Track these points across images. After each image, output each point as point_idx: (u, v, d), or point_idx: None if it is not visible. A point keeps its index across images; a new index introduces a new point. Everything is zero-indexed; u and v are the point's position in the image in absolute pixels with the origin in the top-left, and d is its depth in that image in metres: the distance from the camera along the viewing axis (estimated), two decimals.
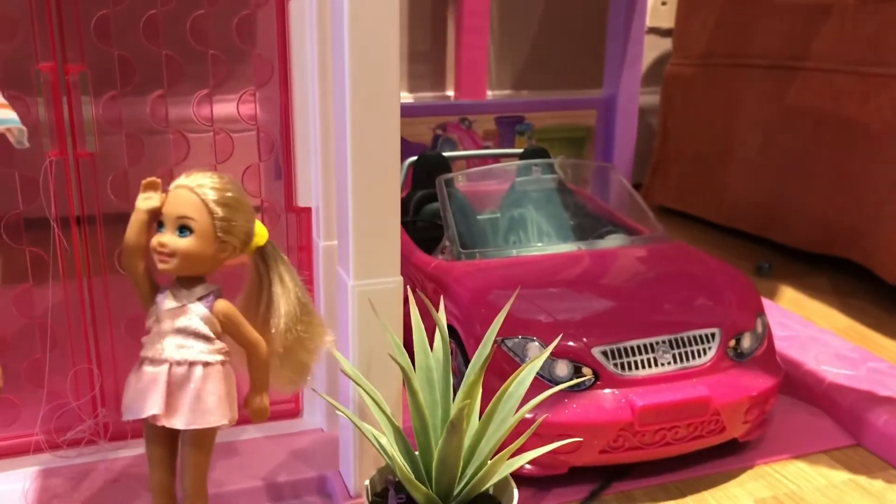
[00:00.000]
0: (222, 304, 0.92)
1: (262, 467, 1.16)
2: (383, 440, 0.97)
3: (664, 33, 2.81)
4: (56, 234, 1.12)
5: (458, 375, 1.20)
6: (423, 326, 1.03)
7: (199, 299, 0.91)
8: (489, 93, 2.67)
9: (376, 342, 1.04)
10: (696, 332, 1.21)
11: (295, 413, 1.28)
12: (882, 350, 1.64)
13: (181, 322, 0.90)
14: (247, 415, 0.97)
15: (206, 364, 0.91)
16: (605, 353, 1.16)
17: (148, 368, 0.90)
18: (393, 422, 0.96)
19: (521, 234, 1.53)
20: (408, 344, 1.01)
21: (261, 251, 0.96)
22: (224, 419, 0.92)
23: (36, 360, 1.14)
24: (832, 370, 1.43)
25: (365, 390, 0.97)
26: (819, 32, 2.05)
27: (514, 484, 0.99)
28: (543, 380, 1.13)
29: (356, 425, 1.00)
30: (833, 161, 2.02)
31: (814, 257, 2.13)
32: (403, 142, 1.03)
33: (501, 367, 1.14)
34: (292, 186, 1.22)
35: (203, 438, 0.92)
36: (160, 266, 0.89)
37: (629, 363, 1.16)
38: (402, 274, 1.06)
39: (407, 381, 0.94)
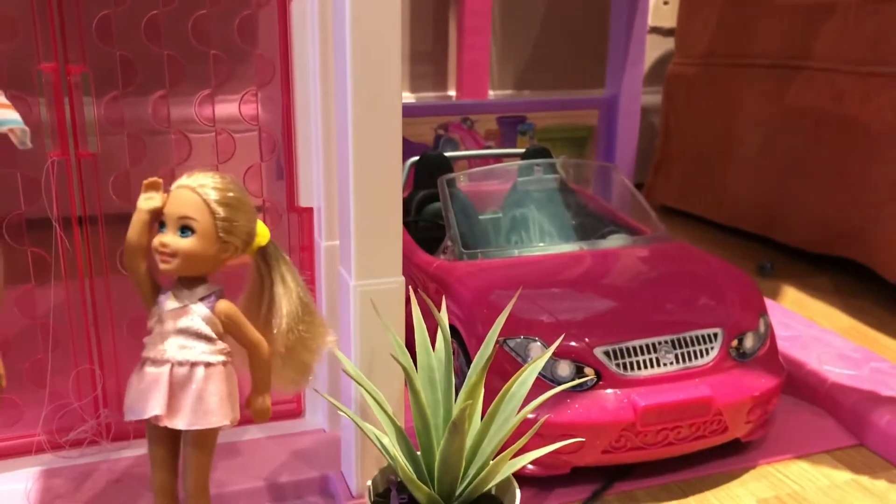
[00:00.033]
0: (224, 305, 0.92)
1: (264, 467, 1.16)
2: (385, 440, 0.97)
3: (666, 33, 2.81)
4: (58, 234, 1.12)
5: (460, 375, 1.20)
6: (424, 326, 1.02)
7: (201, 300, 0.91)
8: (491, 93, 2.67)
9: (378, 342, 1.04)
10: (699, 332, 1.21)
11: (297, 413, 1.28)
12: (885, 350, 1.64)
13: (183, 322, 0.90)
14: (249, 415, 0.97)
15: (207, 364, 0.90)
16: (607, 353, 1.16)
17: (150, 369, 0.90)
18: (395, 422, 0.96)
19: (522, 234, 1.53)
20: (409, 344, 1.01)
21: (262, 251, 0.96)
22: (226, 420, 0.92)
23: (38, 360, 1.14)
24: (835, 370, 1.42)
25: (367, 390, 0.97)
26: (820, 32, 2.04)
27: (516, 484, 0.99)
28: (545, 380, 1.13)
29: (358, 425, 1.00)
30: (834, 161, 2.01)
31: (815, 257, 2.13)
32: (405, 142, 1.03)
33: (503, 368, 1.14)
34: (294, 187, 1.22)
35: (205, 439, 0.92)
36: (162, 266, 0.89)
37: (631, 363, 1.16)
38: (404, 274, 1.05)
39: (409, 381, 0.94)
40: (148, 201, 0.91)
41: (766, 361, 1.25)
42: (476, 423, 0.96)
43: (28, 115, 0.93)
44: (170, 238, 0.88)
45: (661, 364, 1.17)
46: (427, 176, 1.68)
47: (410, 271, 1.43)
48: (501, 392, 0.95)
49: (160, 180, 0.92)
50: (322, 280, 1.22)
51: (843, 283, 2.02)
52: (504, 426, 0.96)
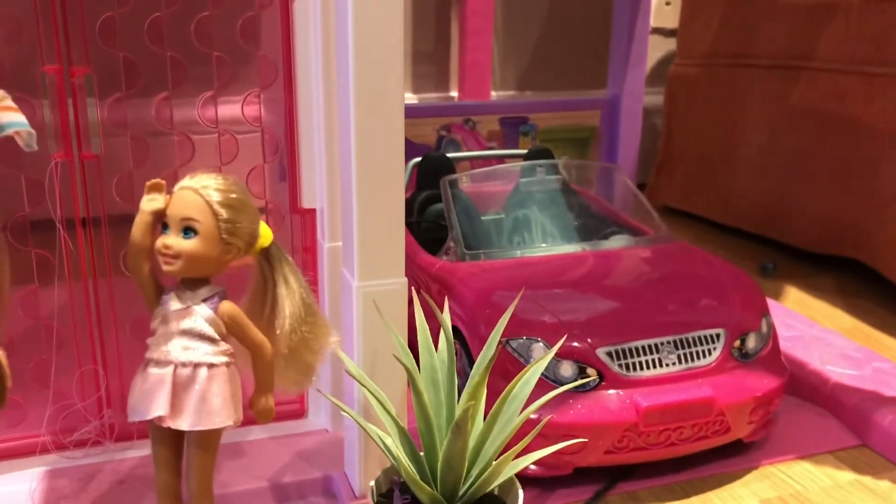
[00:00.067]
0: (227, 306, 0.92)
1: (268, 468, 1.16)
2: (388, 441, 0.97)
3: (668, 33, 2.81)
4: (61, 235, 1.12)
5: (463, 376, 1.20)
6: (427, 327, 1.03)
7: (204, 301, 0.92)
8: (493, 93, 2.67)
9: (381, 343, 1.04)
10: (701, 333, 1.21)
11: (300, 414, 1.28)
12: (887, 350, 1.64)
13: (186, 324, 0.91)
14: (252, 416, 0.97)
15: (211, 365, 0.91)
16: (609, 354, 1.16)
17: (153, 370, 0.91)
18: (398, 422, 0.96)
19: (525, 234, 1.53)
20: (412, 345, 1.01)
21: (265, 252, 0.96)
22: (229, 420, 0.92)
23: (42, 361, 1.14)
24: (837, 370, 1.42)
25: (370, 391, 0.97)
26: (823, 32, 2.04)
27: (519, 484, 0.99)
28: (548, 380, 1.13)
29: (361, 426, 1.00)
30: (837, 161, 2.01)
31: (818, 257, 2.12)
32: (407, 143, 1.04)
33: (506, 368, 1.14)
34: (297, 188, 1.22)
35: (208, 439, 0.92)
36: (165, 268, 0.90)
37: (634, 364, 1.16)
38: (407, 275, 1.06)
39: (412, 381, 0.94)
40: (151, 203, 0.91)
41: (768, 362, 1.25)
42: (479, 424, 0.96)
43: (32, 117, 0.93)
44: (173, 239, 0.89)
45: (664, 364, 1.17)
46: (429, 177, 1.68)
47: (413, 272, 1.43)
48: (504, 393, 0.95)
49: (163, 182, 0.92)
50: (325, 281, 1.22)
51: (845, 283, 2.01)
52: (507, 427, 0.96)
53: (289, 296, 0.96)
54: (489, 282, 1.30)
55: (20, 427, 1.16)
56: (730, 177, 2.38)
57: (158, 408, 0.89)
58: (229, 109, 1.21)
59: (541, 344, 1.16)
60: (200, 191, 0.89)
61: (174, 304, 0.91)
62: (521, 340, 1.16)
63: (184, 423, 0.90)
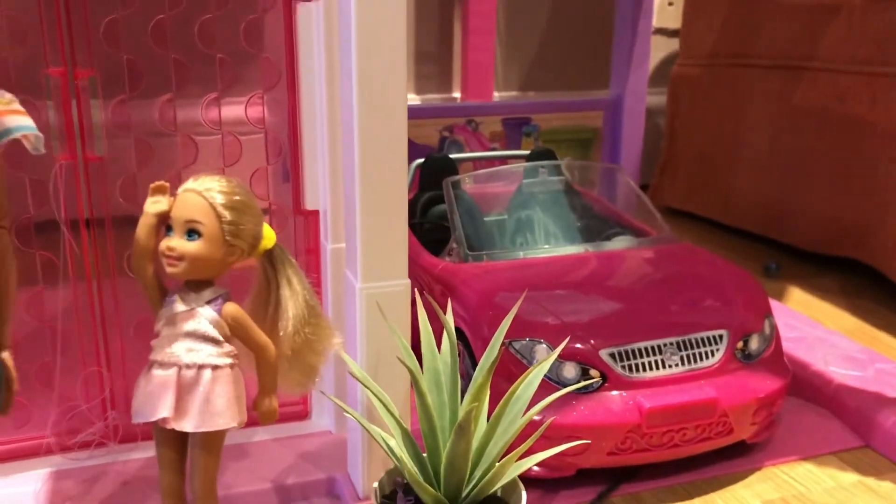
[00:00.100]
0: (231, 308, 0.92)
1: (271, 469, 1.16)
2: (392, 442, 0.97)
3: (671, 34, 2.81)
4: (66, 237, 1.13)
5: (466, 378, 1.20)
6: (430, 329, 1.03)
7: (208, 303, 0.92)
8: (496, 94, 2.68)
9: (384, 344, 1.04)
10: (704, 334, 1.21)
11: (303, 415, 1.28)
12: (890, 351, 1.63)
13: (190, 325, 0.91)
14: (256, 417, 0.97)
15: (215, 367, 0.91)
16: (612, 355, 1.16)
17: (157, 372, 0.91)
18: (401, 424, 0.96)
19: (528, 235, 1.53)
20: (415, 346, 1.01)
21: (269, 254, 0.96)
22: (233, 422, 0.92)
23: (46, 362, 1.14)
24: (840, 371, 1.42)
25: (373, 392, 0.97)
26: (826, 32, 2.04)
27: (522, 486, 0.99)
28: (551, 382, 1.13)
29: (364, 427, 1.00)
30: (840, 161, 2.01)
31: (821, 258, 2.12)
32: (410, 143, 1.04)
33: (509, 370, 1.15)
34: (300, 189, 1.22)
35: (212, 441, 0.93)
36: (169, 270, 0.90)
37: (637, 365, 1.17)
38: (410, 276, 1.06)
39: (415, 383, 0.94)
40: (155, 205, 0.91)
41: (771, 363, 1.25)
42: (482, 425, 0.96)
43: (36, 119, 0.94)
44: (176, 242, 0.89)
45: (667, 366, 1.18)
46: (432, 178, 1.69)
47: (416, 273, 1.44)
48: (507, 394, 0.95)
49: (167, 184, 0.92)
50: (328, 282, 1.22)
51: (848, 283, 2.01)
52: (510, 428, 0.96)
53: (292, 297, 0.96)
54: (492, 283, 1.30)
55: (25, 428, 1.16)
56: (732, 177, 2.38)
57: (163, 409, 0.89)
58: (232, 110, 1.22)
59: (544, 345, 1.16)
60: (204, 193, 0.89)
61: (178, 306, 0.92)
62: (524, 342, 1.16)
63: (188, 425, 0.90)
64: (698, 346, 1.20)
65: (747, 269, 1.41)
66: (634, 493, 1.17)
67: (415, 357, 1.00)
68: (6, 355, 0.82)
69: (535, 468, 1.14)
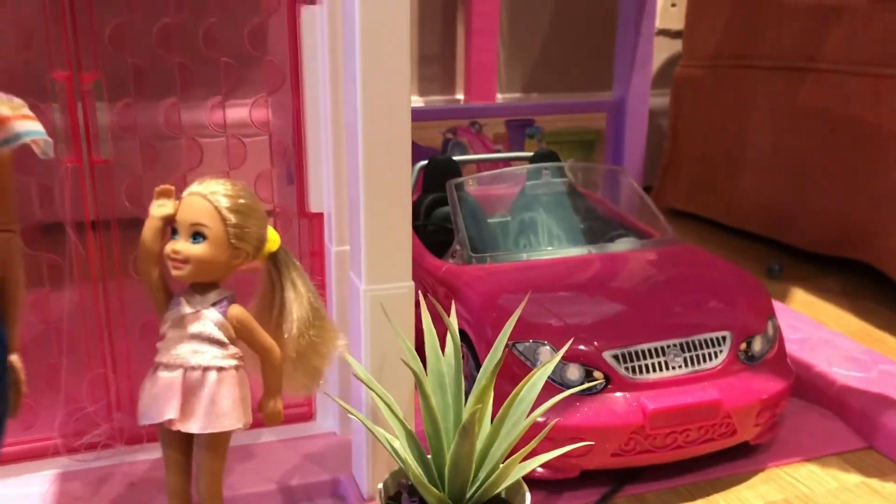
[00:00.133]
0: (236, 310, 0.93)
1: (276, 471, 1.17)
2: (396, 444, 0.97)
3: (674, 35, 2.81)
4: (72, 239, 1.13)
5: (470, 379, 1.21)
6: (434, 330, 1.03)
7: (213, 305, 0.93)
8: (499, 95, 2.68)
9: (388, 346, 1.04)
10: (707, 336, 1.21)
11: (308, 417, 1.29)
12: (893, 352, 1.63)
13: (195, 328, 0.91)
14: (261, 419, 0.98)
15: (220, 369, 0.92)
16: (616, 357, 1.16)
17: (163, 374, 0.91)
18: (405, 425, 0.96)
19: (531, 237, 1.54)
20: (419, 348, 1.02)
21: (273, 257, 0.97)
22: (238, 423, 0.93)
23: (52, 364, 1.15)
24: (843, 372, 1.42)
25: (377, 394, 0.98)
26: (830, 33, 2.04)
27: (526, 487, 0.99)
28: (555, 383, 1.13)
29: (369, 429, 1.00)
30: (844, 162, 2.01)
31: (824, 259, 2.12)
32: (413, 145, 1.04)
33: (513, 371, 1.15)
34: (304, 192, 1.23)
35: (218, 442, 0.93)
36: (174, 272, 0.90)
37: (640, 366, 1.17)
38: (413, 278, 1.06)
39: (419, 385, 0.95)
40: (160, 208, 0.92)
41: (774, 364, 1.25)
42: (486, 427, 0.97)
43: (42, 123, 0.95)
44: (182, 245, 0.90)
45: (670, 367, 1.18)
46: (436, 180, 1.69)
47: (419, 275, 1.44)
48: (511, 396, 0.96)
49: (172, 187, 0.93)
50: (332, 285, 1.23)
51: (851, 284, 2.01)
52: (514, 430, 0.97)
53: (297, 300, 0.96)
54: (495, 285, 1.30)
55: (32, 430, 1.17)
56: (735, 178, 2.38)
57: (168, 411, 0.90)
58: (237, 113, 1.22)
59: (547, 347, 1.16)
60: (209, 196, 0.90)
61: (183, 309, 0.92)
62: (527, 344, 1.17)
63: (193, 426, 0.91)
64: (702, 348, 1.20)
65: (750, 270, 1.41)
66: (638, 495, 1.17)
67: (419, 359, 1.00)
68: (15, 358, 0.83)
69: (539, 469, 1.14)
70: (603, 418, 1.12)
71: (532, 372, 1.00)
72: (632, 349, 1.17)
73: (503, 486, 0.97)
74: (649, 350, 1.18)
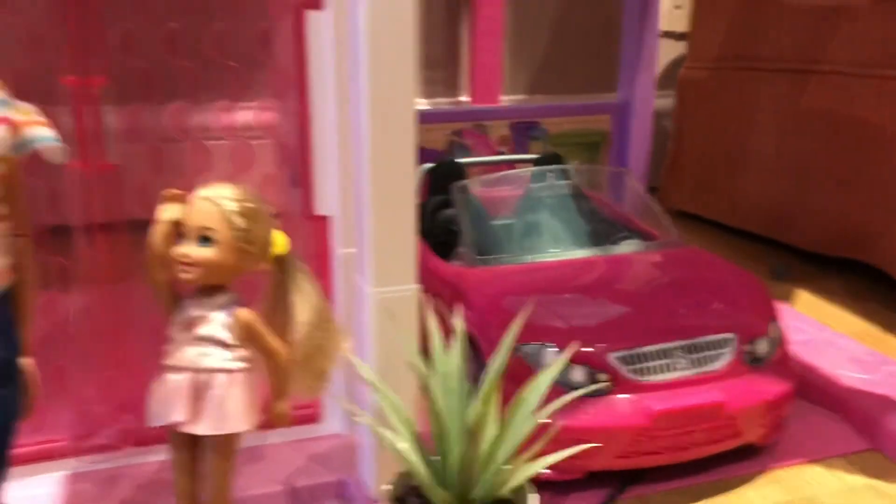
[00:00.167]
0: (243, 313, 0.94)
1: (283, 472, 1.18)
2: (402, 445, 0.98)
3: (678, 37, 2.81)
4: (79, 243, 1.14)
5: (475, 381, 1.21)
6: (439, 332, 1.04)
7: (221, 308, 0.93)
8: (503, 97, 2.68)
9: (394, 348, 1.05)
10: (712, 338, 1.21)
11: (314, 418, 1.29)
12: None
13: (203, 330, 0.92)
14: (268, 420, 0.99)
15: (227, 371, 0.92)
16: (621, 359, 1.17)
17: (171, 376, 0.92)
18: (411, 427, 0.97)
19: (536, 240, 1.54)
20: (425, 350, 1.02)
21: (280, 260, 0.97)
22: (246, 425, 0.93)
23: (60, 366, 1.16)
24: (848, 374, 1.43)
25: (383, 396, 0.98)
26: (833, 35, 2.04)
27: (532, 488, 1.00)
28: (560, 385, 1.13)
29: (375, 431, 1.01)
30: (847, 164, 2.01)
31: (828, 260, 2.12)
32: (418, 148, 1.05)
33: (518, 373, 1.15)
34: (310, 195, 1.23)
35: (226, 444, 0.94)
36: (182, 276, 0.91)
37: (645, 368, 1.17)
38: (418, 280, 1.07)
39: (425, 387, 0.95)
40: (168, 212, 0.92)
41: (778, 366, 1.26)
42: (492, 429, 0.97)
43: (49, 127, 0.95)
44: (190, 248, 0.90)
45: (675, 369, 1.18)
46: (441, 182, 1.70)
47: (425, 278, 1.44)
48: (516, 398, 0.96)
49: (180, 192, 0.93)
50: (338, 287, 1.23)
51: (855, 286, 2.01)
52: (519, 432, 0.97)
53: (303, 303, 0.97)
54: (500, 287, 1.31)
55: (41, 432, 1.17)
56: (739, 179, 2.38)
57: (177, 413, 0.91)
58: (243, 116, 1.23)
59: (552, 349, 1.16)
60: (217, 201, 0.90)
61: (191, 312, 0.93)
62: (532, 346, 1.17)
63: (202, 428, 0.91)
64: (706, 350, 1.21)
65: (753, 272, 1.41)
66: (643, 496, 1.18)
67: (424, 361, 1.00)
68: (28, 360, 0.84)
69: (545, 471, 1.14)
70: (608, 420, 1.13)
71: (537, 374, 1.00)
72: (637, 351, 1.18)
73: (509, 487, 0.98)
74: (654, 352, 1.18)
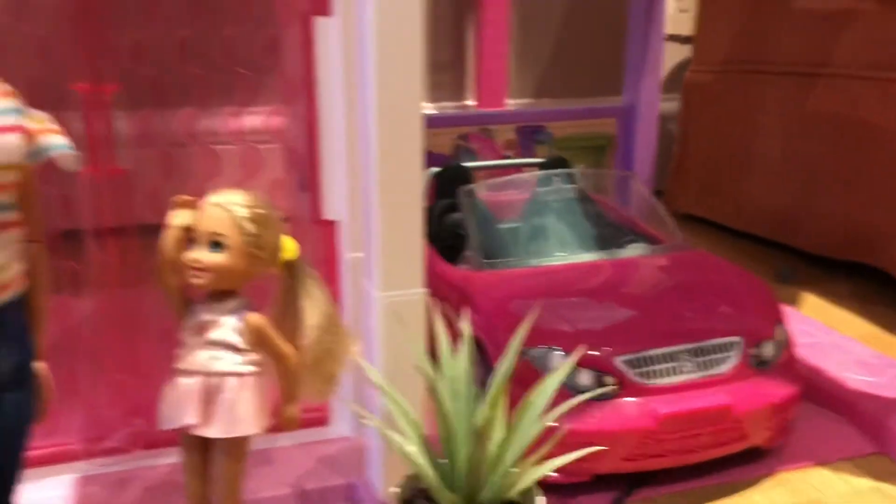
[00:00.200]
0: (254, 317, 0.94)
1: (292, 475, 1.18)
2: (410, 448, 0.99)
3: (683, 40, 2.81)
4: (89, 247, 1.15)
5: (482, 384, 1.22)
6: (447, 336, 1.04)
7: (231, 312, 0.94)
8: (509, 101, 2.69)
9: (402, 352, 1.06)
10: (718, 341, 1.22)
11: (323, 421, 1.30)
12: None
13: (214, 334, 0.93)
14: (278, 423, 0.99)
15: (238, 375, 0.93)
16: (627, 362, 1.17)
17: (183, 380, 0.93)
18: (419, 430, 0.98)
19: (542, 243, 1.55)
20: (432, 353, 1.03)
21: (290, 265, 0.98)
22: (257, 428, 0.94)
23: (72, 370, 1.17)
24: (854, 377, 1.43)
25: (391, 399, 0.99)
26: (839, 39, 2.05)
27: (539, 491, 1.00)
28: (566, 388, 1.14)
29: (383, 434, 1.02)
30: (853, 166, 2.01)
31: (834, 263, 2.12)
32: (425, 153, 1.06)
33: (525, 377, 1.16)
34: (318, 199, 1.24)
35: (237, 447, 0.95)
36: (194, 281, 0.92)
37: (651, 372, 1.18)
38: (426, 284, 1.08)
39: (433, 390, 0.96)
40: (179, 218, 0.93)
41: (785, 369, 1.26)
42: (499, 432, 0.98)
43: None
44: (201, 254, 0.91)
45: (681, 372, 1.19)
46: (447, 186, 1.70)
47: (431, 281, 1.45)
48: (523, 401, 0.97)
49: (191, 198, 0.94)
50: (346, 291, 1.24)
51: (861, 289, 2.01)
52: (526, 435, 0.98)
53: (313, 307, 0.98)
54: (507, 291, 1.32)
55: (53, 435, 1.18)
56: (744, 182, 2.38)
57: (189, 416, 0.92)
58: (252, 121, 1.24)
59: (559, 353, 1.17)
60: (228, 207, 0.91)
61: (202, 316, 0.94)
62: (539, 349, 1.18)
63: (213, 431, 0.92)
64: (712, 353, 1.21)
65: (759, 275, 1.41)
66: (650, 498, 1.18)
67: (432, 364, 1.01)
68: (41, 365, 0.85)
69: (552, 474, 1.15)
70: (615, 423, 1.13)
71: (544, 377, 1.01)
72: (643, 354, 1.18)
73: (516, 490, 0.98)
74: (660, 355, 1.19)
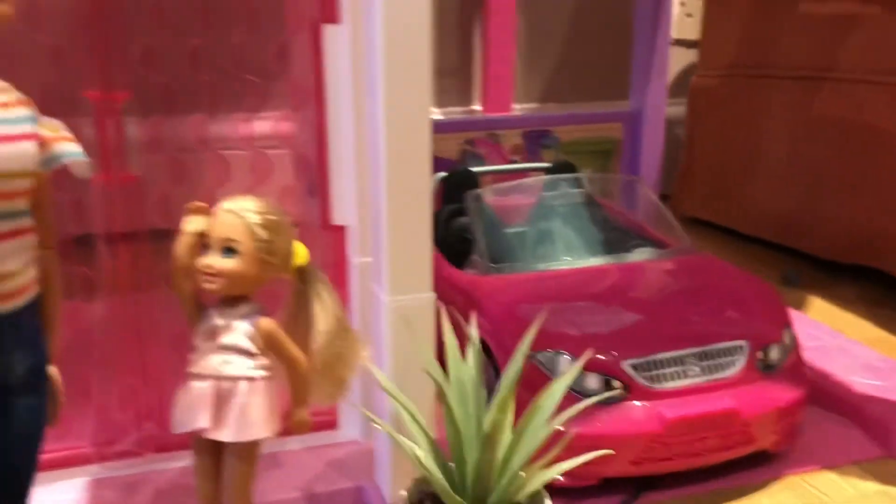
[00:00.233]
0: (265, 322, 0.95)
1: (302, 478, 1.19)
2: (418, 452, 0.99)
3: (690, 45, 2.82)
4: (101, 252, 1.16)
5: (490, 388, 1.22)
6: (455, 340, 1.05)
7: (244, 317, 0.95)
8: (516, 106, 2.70)
9: (410, 356, 1.06)
10: (725, 345, 1.22)
11: (332, 425, 1.31)
12: None
13: (226, 339, 0.94)
14: (288, 427, 1.00)
15: (250, 379, 0.94)
16: (634, 366, 1.18)
17: (195, 384, 0.94)
18: (428, 434, 0.98)
19: (549, 248, 1.55)
20: (440, 357, 1.04)
21: (301, 270, 0.99)
22: (268, 432, 0.95)
23: (84, 374, 1.18)
24: (861, 381, 1.43)
25: (400, 403, 1.00)
26: (844, 43, 2.05)
27: (546, 494, 1.01)
28: (574, 392, 1.15)
29: (392, 437, 1.03)
30: (859, 170, 2.02)
31: (841, 267, 2.12)
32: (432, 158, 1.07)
33: (533, 381, 1.17)
34: (327, 205, 1.25)
35: (248, 450, 0.96)
36: (206, 286, 0.93)
37: (659, 375, 1.18)
38: (433, 289, 1.08)
39: (441, 394, 0.97)
40: (192, 224, 0.94)
41: (791, 372, 1.27)
42: (507, 436, 0.99)
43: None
44: (214, 259, 0.92)
45: (688, 376, 1.19)
46: (455, 191, 1.71)
47: (439, 286, 1.46)
48: (531, 405, 0.98)
49: (204, 205, 0.95)
50: (355, 296, 1.25)
51: (867, 292, 2.01)
52: (534, 438, 0.99)
53: (323, 312, 0.99)
54: (514, 295, 1.32)
55: (64, 439, 1.19)
56: (751, 186, 2.39)
57: (201, 420, 0.93)
58: (261, 127, 1.25)
59: (567, 357, 1.18)
60: (240, 213, 0.92)
61: (215, 321, 0.95)
62: (546, 353, 1.18)
63: (225, 435, 0.93)
64: (719, 357, 1.22)
65: (765, 278, 1.42)
66: (657, 502, 1.19)
67: (440, 368, 1.02)
68: (53, 369, 0.86)
69: (560, 477, 1.15)
70: (622, 427, 1.14)
71: (552, 381, 1.01)
72: (650, 358, 1.19)
73: (524, 493, 0.99)
74: (667, 359, 1.19)
